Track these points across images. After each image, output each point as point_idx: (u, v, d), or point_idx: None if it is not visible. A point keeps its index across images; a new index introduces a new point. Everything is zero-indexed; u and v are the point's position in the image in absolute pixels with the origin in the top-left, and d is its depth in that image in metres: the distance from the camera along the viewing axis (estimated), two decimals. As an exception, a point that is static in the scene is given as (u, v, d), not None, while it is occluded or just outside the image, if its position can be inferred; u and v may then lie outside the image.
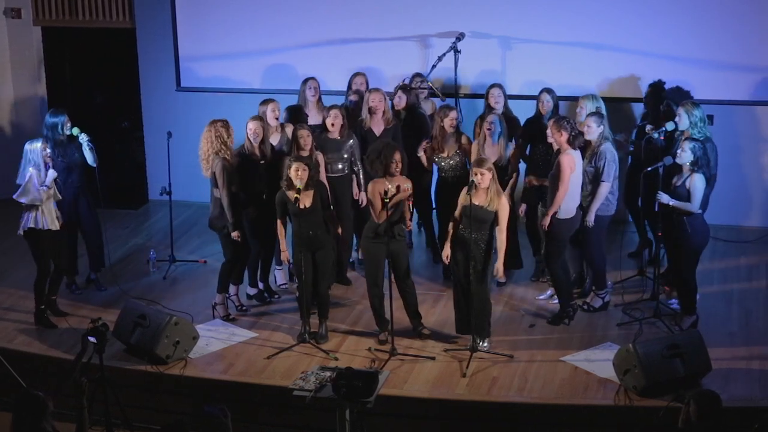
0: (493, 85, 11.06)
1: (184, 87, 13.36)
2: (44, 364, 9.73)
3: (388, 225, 9.49)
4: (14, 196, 10.04)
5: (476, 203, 9.36)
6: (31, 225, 10.03)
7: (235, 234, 10.04)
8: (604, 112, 10.36)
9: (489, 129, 10.45)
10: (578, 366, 9.32)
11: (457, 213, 9.55)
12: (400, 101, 11.20)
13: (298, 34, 12.78)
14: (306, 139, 10.25)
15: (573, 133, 9.72)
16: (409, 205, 9.62)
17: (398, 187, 9.50)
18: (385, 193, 9.44)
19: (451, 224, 9.59)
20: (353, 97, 11.41)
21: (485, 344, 9.61)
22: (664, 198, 9.57)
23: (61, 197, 10.22)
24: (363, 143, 10.85)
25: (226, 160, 9.97)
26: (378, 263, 9.67)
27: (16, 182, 10.08)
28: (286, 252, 9.92)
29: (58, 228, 10.16)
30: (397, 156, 9.59)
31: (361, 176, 10.79)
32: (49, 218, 10.05)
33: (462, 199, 9.46)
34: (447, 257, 9.61)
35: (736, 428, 8.21)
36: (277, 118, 10.73)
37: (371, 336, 9.92)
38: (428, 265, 11.46)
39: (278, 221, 9.84)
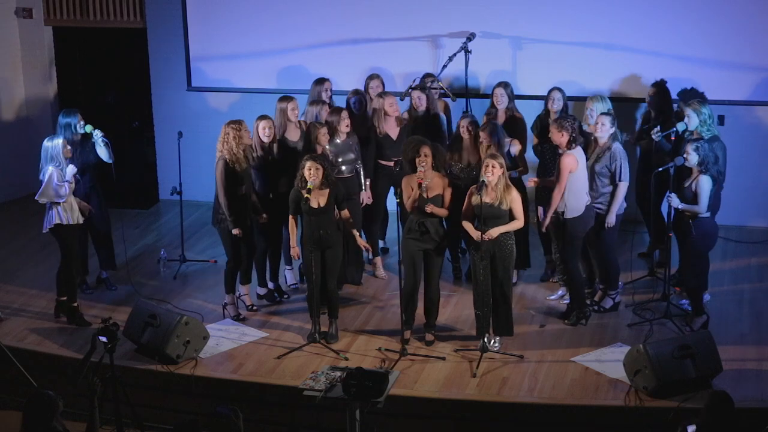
0: (498, 84, 11.04)
1: (194, 87, 13.38)
2: (55, 364, 9.75)
3: (419, 221, 9.49)
4: (36, 197, 10.05)
5: (487, 201, 9.34)
6: (56, 221, 10.03)
7: (236, 231, 10.07)
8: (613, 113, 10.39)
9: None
10: (589, 366, 9.31)
11: (467, 213, 9.53)
12: (420, 101, 11.13)
13: (309, 34, 12.79)
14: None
15: (574, 135, 9.70)
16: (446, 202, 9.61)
17: (440, 185, 9.57)
18: (420, 185, 9.44)
19: (465, 224, 9.56)
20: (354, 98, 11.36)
21: (496, 344, 9.60)
22: (674, 201, 9.56)
23: (79, 200, 10.23)
24: (378, 148, 10.87)
25: (227, 161, 9.99)
26: (410, 259, 9.63)
27: (39, 178, 10.09)
28: (296, 248, 9.92)
29: (82, 221, 10.19)
30: (424, 149, 9.54)
31: (362, 175, 10.80)
32: (71, 213, 10.06)
33: (473, 199, 9.45)
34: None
35: (748, 429, 8.21)
36: (296, 116, 10.76)
37: (381, 336, 9.92)
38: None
39: (290, 217, 9.85)
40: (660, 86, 11.11)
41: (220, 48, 13.15)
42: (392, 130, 10.95)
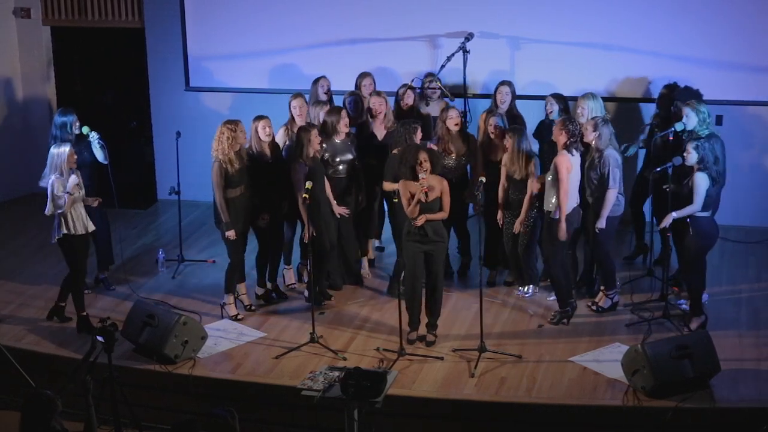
0: (502, 83, 11.07)
1: (193, 87, 13.37)
2: (53, 364, 9.75)
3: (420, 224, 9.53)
4: (45, 212, 9.98)
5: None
6: (64, 231, 9.96)
7: (230, 233, 10.06)
8: (603, 113, 10.37)
9: (493, 132, 10.46)
10: (587, 366, 9.31)
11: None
12: (408, 99, 11.20)
13: (307, 33, 12.79)
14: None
15: (572, 139, 9.71)
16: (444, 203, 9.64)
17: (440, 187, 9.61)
18: (425, 193, 9.45)
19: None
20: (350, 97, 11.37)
21: (529, 289, 10.52)
22: (670, 219, 9.56)
23: (85, 197, 10.18)
24: (366, 148, 10.87)
25: (221, 162, 9.97)
26: (412, 261, 9.64)
27: (39, 184, 10.06)
28: None
29: (89, 231, 10.12)
30: (422, 155, 9.54)
31: (361, 176, 10.79)
32: (78, 223, 9.99)
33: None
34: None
35: (746, 429, 8.22)
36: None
37: (380, 336, 9.92)
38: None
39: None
40: (671, 90, 11.06)
41: (218, 48, 13.15)
42: (379, 131, 10.95)
